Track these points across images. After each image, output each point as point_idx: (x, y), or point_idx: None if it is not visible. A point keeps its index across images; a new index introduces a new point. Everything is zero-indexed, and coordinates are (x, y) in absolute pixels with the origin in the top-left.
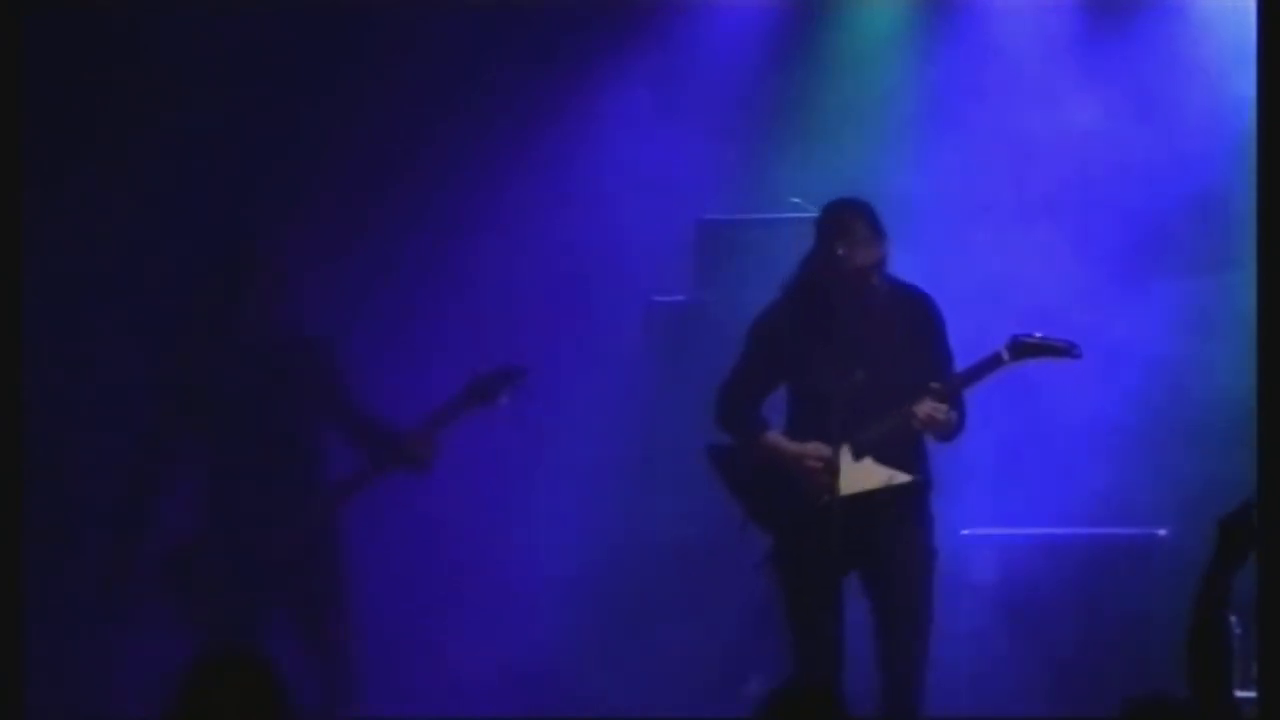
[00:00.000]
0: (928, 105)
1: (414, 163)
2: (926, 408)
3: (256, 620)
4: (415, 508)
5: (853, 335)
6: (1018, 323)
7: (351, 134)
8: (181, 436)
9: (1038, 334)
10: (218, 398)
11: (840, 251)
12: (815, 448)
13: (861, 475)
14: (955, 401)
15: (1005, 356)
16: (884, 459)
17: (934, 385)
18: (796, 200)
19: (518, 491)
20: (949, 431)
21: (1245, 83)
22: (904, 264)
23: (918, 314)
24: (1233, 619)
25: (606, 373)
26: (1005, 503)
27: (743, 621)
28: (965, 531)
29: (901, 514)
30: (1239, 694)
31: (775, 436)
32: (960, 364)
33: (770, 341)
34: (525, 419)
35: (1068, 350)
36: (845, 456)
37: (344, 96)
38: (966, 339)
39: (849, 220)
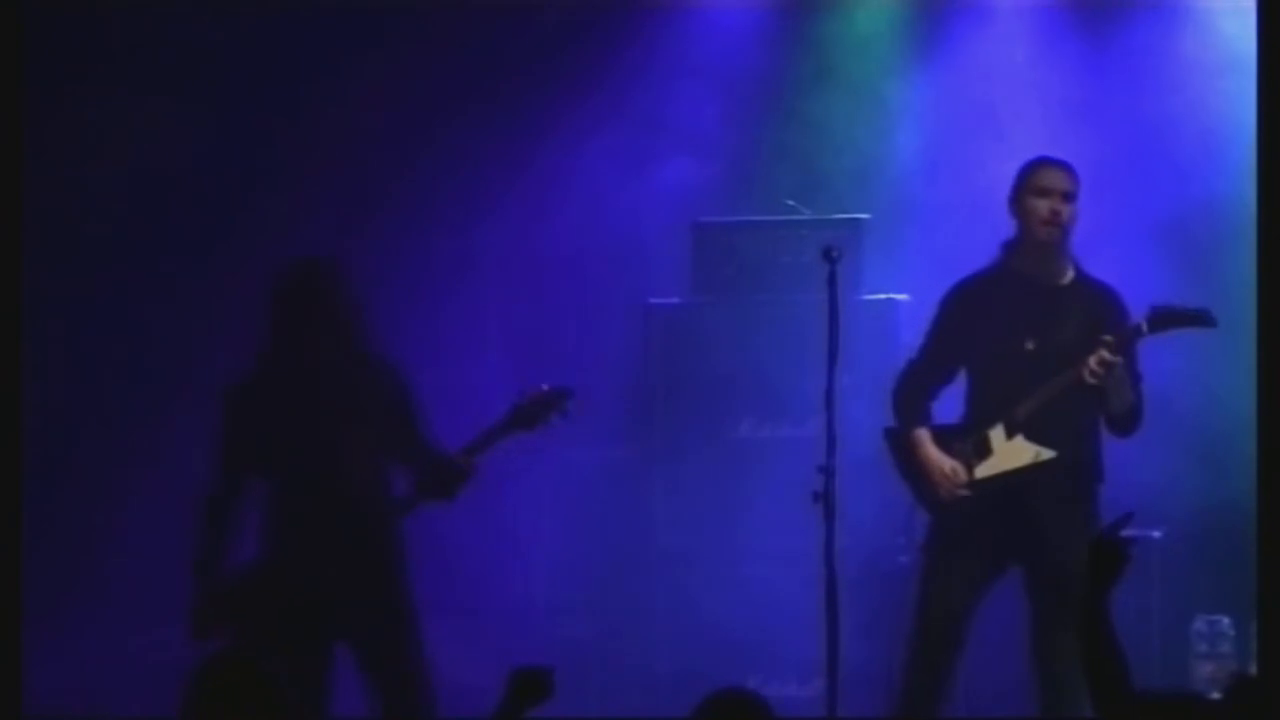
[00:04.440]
0: (924, 107)
1: (412, 165)
2: (1095, 357)
3: (316, 645)
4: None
5: (1036, 315)
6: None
7: (351, 135)
8: (248, 465)
9: (1175, 304)
10: (285, 424)
11: (1039, 183)
12: (949, 464)
13: (1010, 453)
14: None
15: (1144, 328)
16: (1043, 438)
17: (1105, 338)
18: (791, 203)
19: (514, 493)
20: (1123, 395)
21: (1245, 85)
22: (900, 264)
23: (1102, 305)
24: (1226, 620)
25: (603, 375)
26: None
27: (740, 623)
28: None
29: (1061, 500)
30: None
31: (922, 435)
32: None
33: (956, 314)
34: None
35: (1207, 319)
36: (999, 435)
37: (344, 98)
38: None
39: (1044, 160)
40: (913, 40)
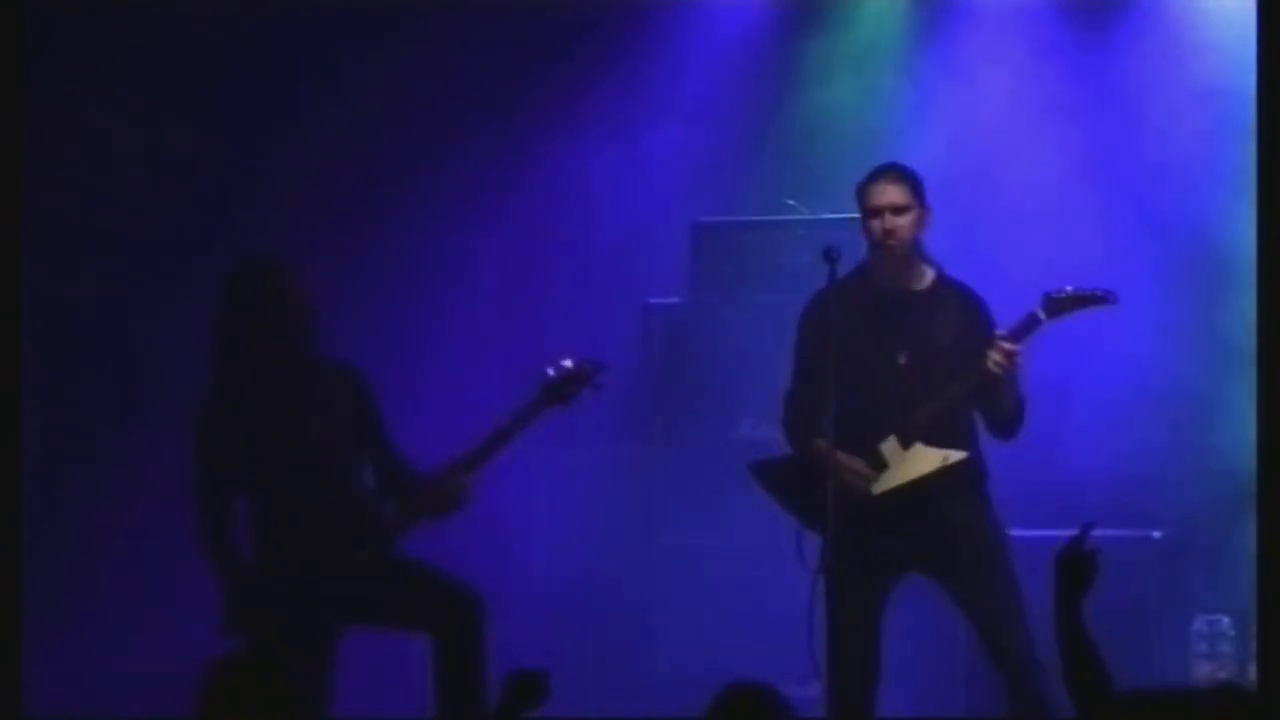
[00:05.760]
0: (922, 107)
1: (411, 166)
2: (998, 350)
3: (319, 646)
4: None
5: (898, 323)
6: (1005, 327)
7: (349, 136)
8: (233, 475)
9: (1069, 287)
10: (261, 434)
11: (869, 201)
12: (855, 462)
13: (912, 463)
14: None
15: (1042, 316)
16: (935, 440)
17: (999, 333)
18: (791, 202)
19: (513, 494)
20: (1017, 389)
21: (1244, 83)
22: None
23: (967, 308)
24: (1225, 620)
25: (603, 375)
26: (1002, 504)
27: (739, 624)
28: None
29: (966, 501)
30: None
31: (822, 443)
32: None
33: (817, 333)
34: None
35: (1104, 298)
36: (893, 447)
37: (343, 98)
38: None
39: (877, 172)
40: (911, 40)
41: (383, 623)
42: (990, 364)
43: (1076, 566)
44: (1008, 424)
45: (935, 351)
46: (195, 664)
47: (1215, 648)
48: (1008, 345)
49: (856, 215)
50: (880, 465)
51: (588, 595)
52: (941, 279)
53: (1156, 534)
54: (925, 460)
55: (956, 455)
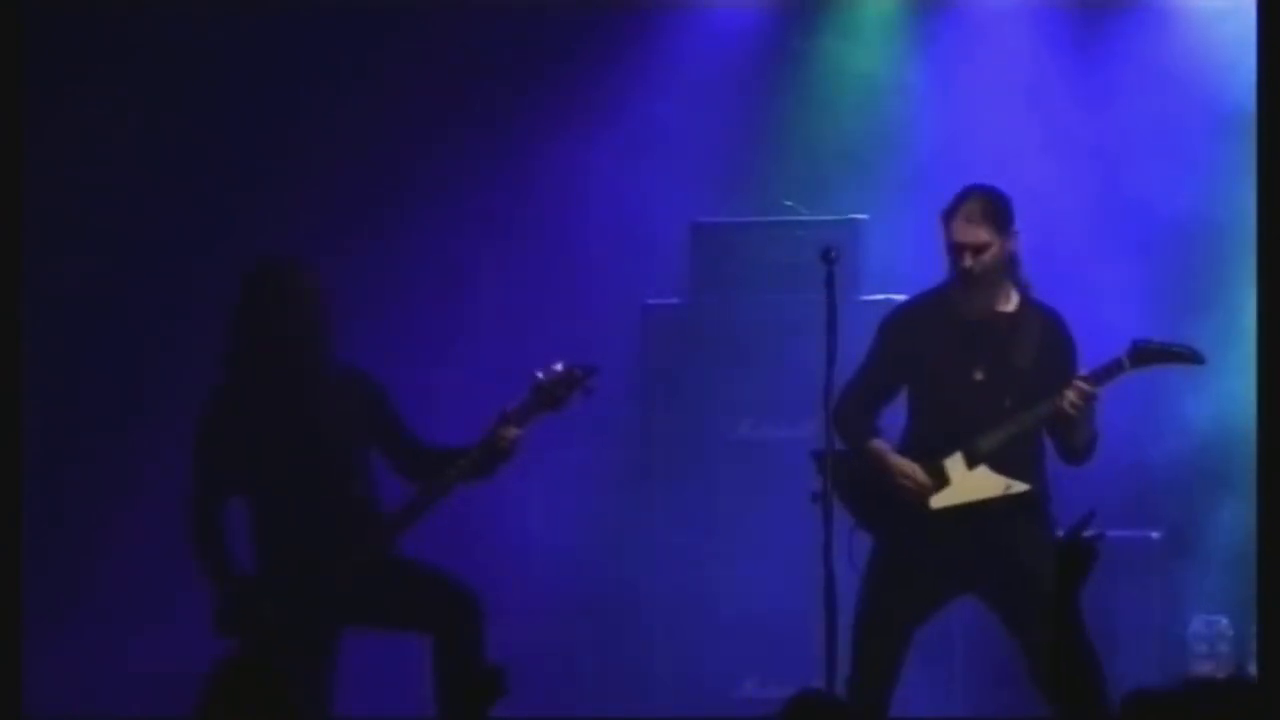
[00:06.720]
0: (921, 107)
1: (410, 165)
2: (1075, 391)
3: (320, 647)
4: None
5: (978, 341)
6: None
7: (349, 136)
8: (231, 476)
9: (1157, 340)
10: (262, 436)
11: (951, 236)
12: (909, 467)
13: (975, 484)
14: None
15: (1126, 364)
16: (1001, 467)
17: (1081, 374)
18: (790, 203)
19: (511, 494)
20: (1091, 427)
21: (1245, 84)
22: (899, 265)
23: (1049, 332)
24: (1224, 620)
25: (601, 376)
26: None
27: (737, 624)
28: None
29: (1022, 524)
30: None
31: (880, 445)
32: None
33: (897, 341)
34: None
35: (1191, 356)
36: (958, 465)
37: (343, 98)
38: None
39: (961, 201)
40: (911, 40)
41: (382, 623)
42: (1066, 404)
43: (1076, 554)
44: (1077, 456)
45: (1013, 372)
46: (195, 664)
47: (1215, 648)
48: (1086, 388)
49: (856, 216)
50: (941, 480)
51: (586, 595)
52: (1027, 302)
53: (1156, 534)
54: (988, 485)
55: (1019, 487)
